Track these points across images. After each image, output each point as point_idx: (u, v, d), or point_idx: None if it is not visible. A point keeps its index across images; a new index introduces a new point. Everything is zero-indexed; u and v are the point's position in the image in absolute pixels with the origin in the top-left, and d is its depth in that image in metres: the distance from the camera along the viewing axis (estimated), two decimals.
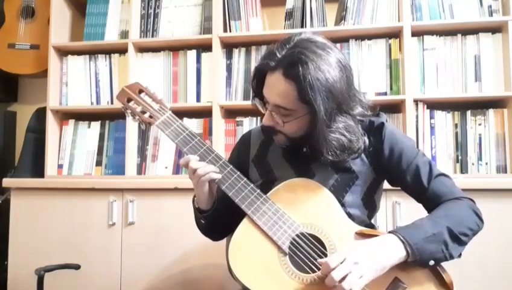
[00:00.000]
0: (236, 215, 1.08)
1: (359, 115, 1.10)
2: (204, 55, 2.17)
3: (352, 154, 1.10)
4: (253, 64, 2.12)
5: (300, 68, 1.00)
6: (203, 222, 1.19)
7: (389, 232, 1.02)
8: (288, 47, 1.04)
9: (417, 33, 2.02)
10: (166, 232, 1.89)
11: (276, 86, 1.04)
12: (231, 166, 1.10)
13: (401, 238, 0.98)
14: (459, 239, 1.02)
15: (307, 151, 1.16)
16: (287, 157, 1.20)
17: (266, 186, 1.17)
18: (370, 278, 0.94)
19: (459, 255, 1.03)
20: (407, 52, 1.98)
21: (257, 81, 1.12)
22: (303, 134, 1.09)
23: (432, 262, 0.99)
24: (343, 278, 0.91)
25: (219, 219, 1.18)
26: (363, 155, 1.15)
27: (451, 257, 1.01)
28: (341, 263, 0.93)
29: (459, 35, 2.02)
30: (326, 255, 1.02)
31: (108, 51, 2.25)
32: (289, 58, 1.02)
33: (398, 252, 0.98)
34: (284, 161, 1.20)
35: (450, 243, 1.00)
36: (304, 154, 1.17)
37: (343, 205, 1.12)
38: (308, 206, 1.08)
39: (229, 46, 2.18)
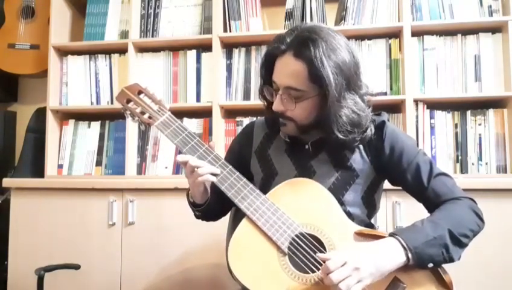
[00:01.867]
0: (228, 201, 1.09)
1: (365, 95, 1.13)
2: (204, 55, 2.16)
3: (361, 134, 1.11)
4: (253, 64, 2.13)
5: (311, 47, 1.03)
6: (197, 213, 1.24)
7: (390, 234, 1.02)
8: (296, 32, 1.08)
9: (417, 33, 2.02)
10: (166, 232, 1.89)
11: (287, 67, 1.07)
12: (230, 166, 1.10)
13: (403, 243, 0.98)
14: (460, 241, 1.01)
15: (309, 148, 1.17)
16: (289, 152, 1.20)
17: (267, 180, 1.19)
18: (367, 283, 0.95)
19: (459, 258, 1.02)
20: (407, 52, 1.98)
21: (266, 69, 1.14)
22: (312, 121, 1.10)
23: (430, 265, 0.99)
24: (342, 281, 0.91)
25: (213, 208, 1.22)
26: (364, 153, 1.16)
27: (451, 260, 1.01)
28: (342, 266, 0.93)
29: (459, 35, 2.02)
30: None
31: (108, 51, 2.25)
32: (300, 39, 1.06)
33: (398, 258, 0.98)
34: (285, 156, 1.20)
35: (451, 246, 1.00)
36: (305, 151, 1.18)
37: (342, 203, 1.12)
38: (307, 206, 1.08)
39: (229, 46, 2.18)
